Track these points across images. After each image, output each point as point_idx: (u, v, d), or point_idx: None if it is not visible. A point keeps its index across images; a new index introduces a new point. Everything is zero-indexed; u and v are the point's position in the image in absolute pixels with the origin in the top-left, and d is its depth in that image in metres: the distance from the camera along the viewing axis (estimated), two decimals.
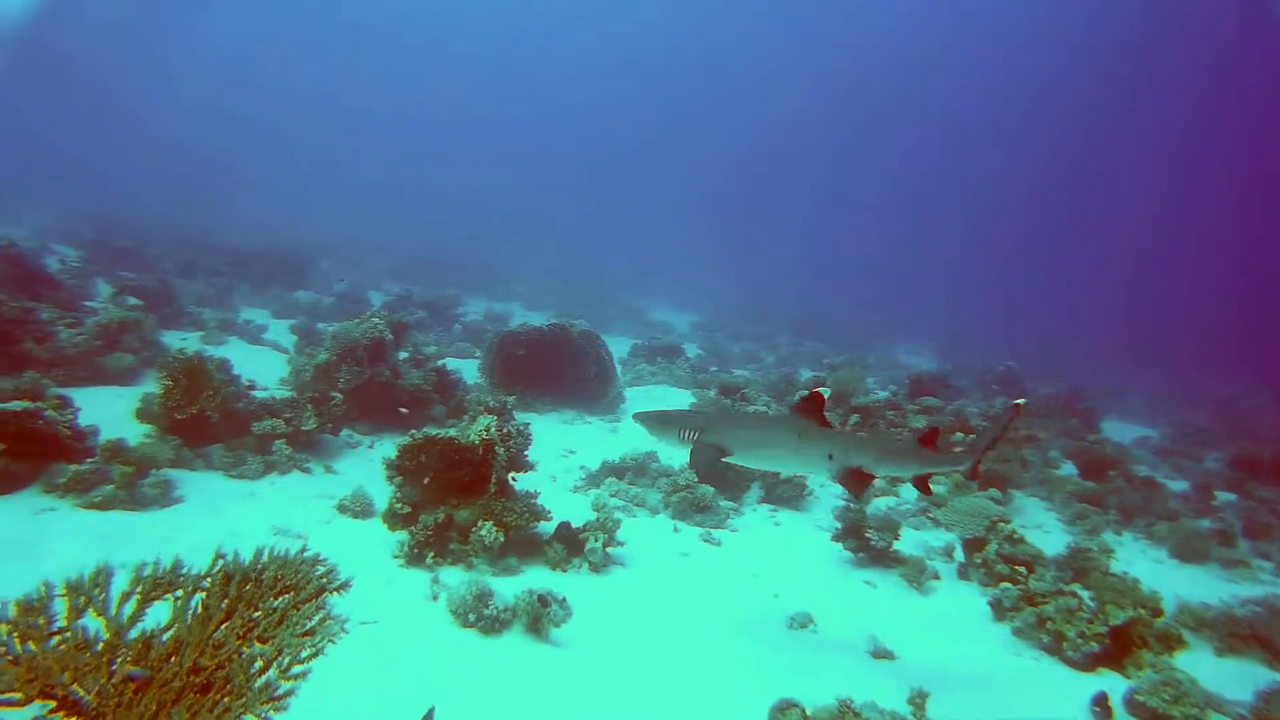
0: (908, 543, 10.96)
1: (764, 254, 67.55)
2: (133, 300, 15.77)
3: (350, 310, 22.20)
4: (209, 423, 10.16)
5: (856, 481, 6.59)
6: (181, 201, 38.51)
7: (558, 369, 15.33)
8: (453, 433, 8.87)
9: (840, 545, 10.38)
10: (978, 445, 7.03)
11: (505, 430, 8.99)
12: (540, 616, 7.11)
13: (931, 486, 7.28)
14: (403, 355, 13.61)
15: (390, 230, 45.86)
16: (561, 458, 12.79)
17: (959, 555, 10.75)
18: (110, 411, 10.91)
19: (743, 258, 61.57)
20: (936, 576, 10.18)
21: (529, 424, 9.68)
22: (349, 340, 12.11)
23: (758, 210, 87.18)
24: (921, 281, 63.51)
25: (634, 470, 11.90)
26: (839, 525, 10.61)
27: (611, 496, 11.32)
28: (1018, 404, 6.76)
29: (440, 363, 13.94)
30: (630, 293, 40.62)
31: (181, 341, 15.87)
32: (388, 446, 11.98)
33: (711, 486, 11.32)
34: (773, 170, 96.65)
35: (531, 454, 9.50)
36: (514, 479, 9.20)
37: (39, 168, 42.21)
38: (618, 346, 20.25)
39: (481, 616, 7.07)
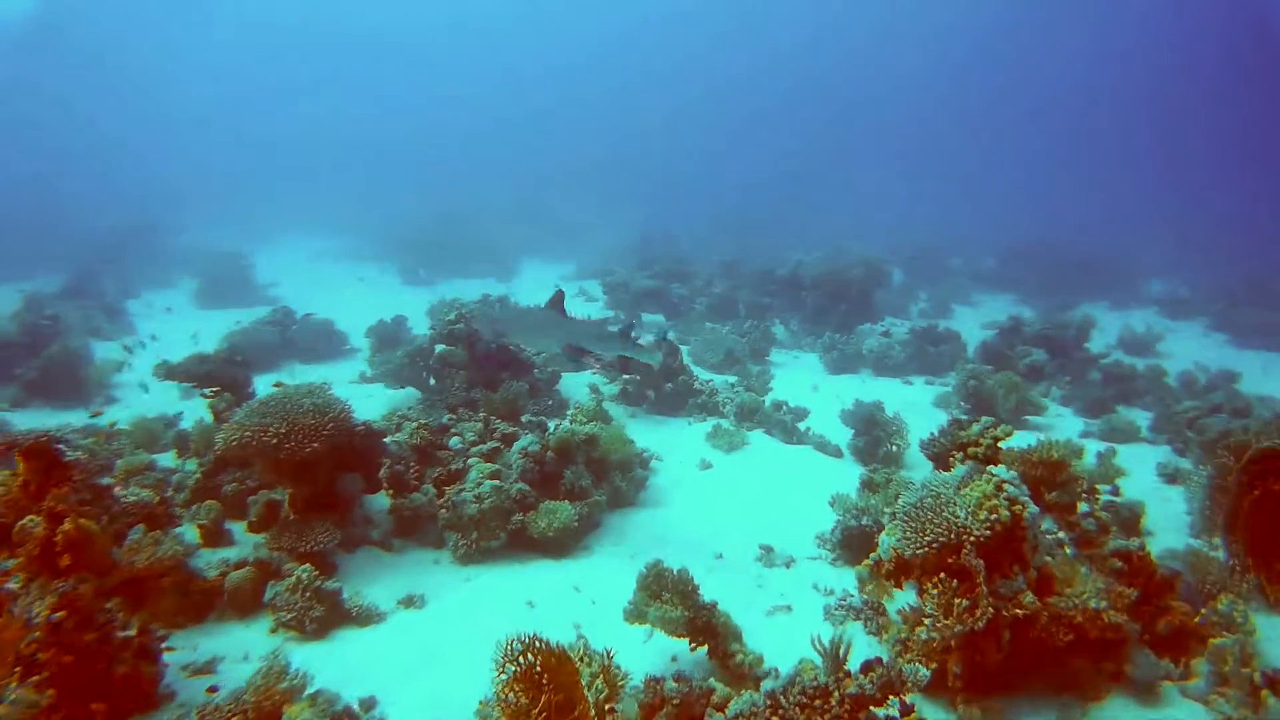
0: None
1: None
2: (604, 389, 10.86)
3: (932, 358, 15.46)
4: None
5: (575, 352, 7.86)
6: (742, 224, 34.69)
7: None
8: None
9: None
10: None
11: None
12: None
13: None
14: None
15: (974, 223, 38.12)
16: None
17: None
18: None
19: None
20: None
21: None
22: (937, 531, 5.37)
23: None
24: None
25: None
26: None
27: None
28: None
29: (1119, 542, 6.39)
30: None
31: (681, 432, 10.58)
32: None
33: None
34: None
35: None
36: None
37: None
38: None
39: None
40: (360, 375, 13.72)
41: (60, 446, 5.27)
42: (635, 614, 5.43)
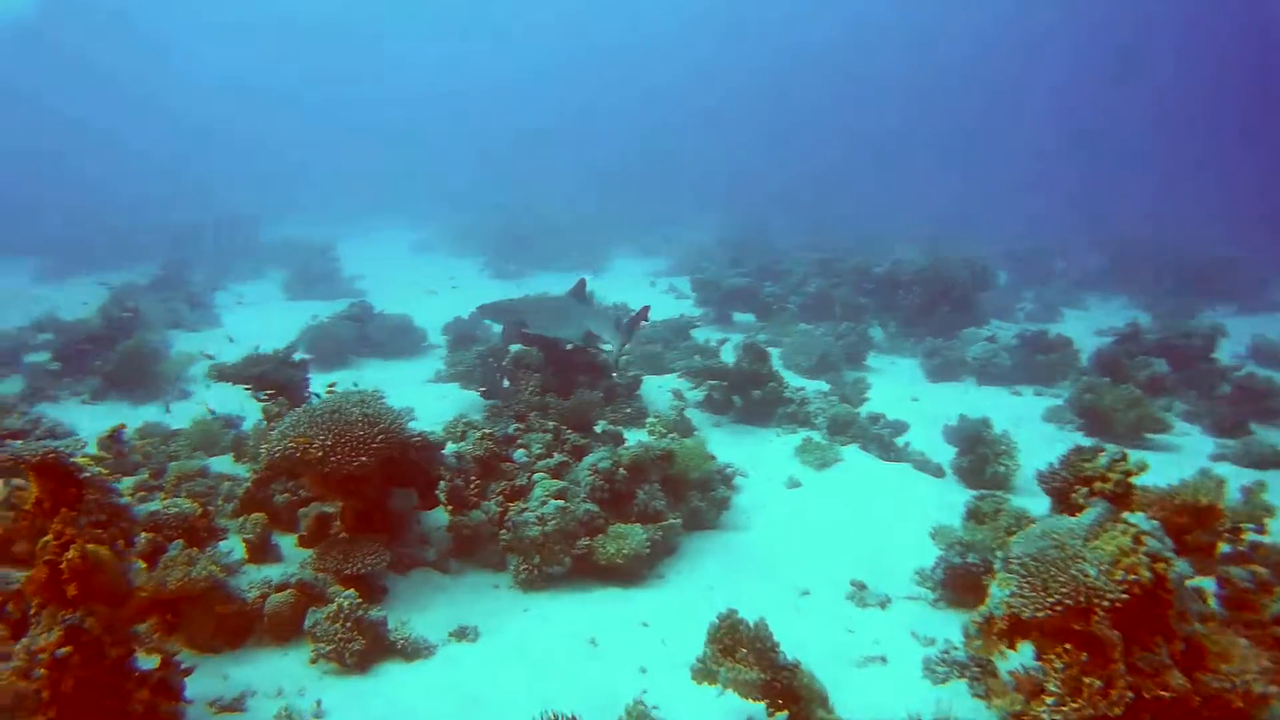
0: None
1: None
2: (687, 395, 10.14)
3: (1042, 367, 14.29)
4: None
5: (590, 338, 9.02)
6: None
7: None
8: None
9: None
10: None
11: None
12: None
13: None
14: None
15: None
16: None
17: None
18: None
19: None
20: None
21: None
22: (1062, 592, 4.50)
23: None
24: None
25: None
26: None
27: None
28: (646, 308, 10.06)
29: None
30: None
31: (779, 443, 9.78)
32: None
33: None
34: None
35: None
36: None
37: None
38: None
39: None
40: (436, 374, 13.34)
41: (73, 461, 4.85)
42: (704, 673, 4.73)
